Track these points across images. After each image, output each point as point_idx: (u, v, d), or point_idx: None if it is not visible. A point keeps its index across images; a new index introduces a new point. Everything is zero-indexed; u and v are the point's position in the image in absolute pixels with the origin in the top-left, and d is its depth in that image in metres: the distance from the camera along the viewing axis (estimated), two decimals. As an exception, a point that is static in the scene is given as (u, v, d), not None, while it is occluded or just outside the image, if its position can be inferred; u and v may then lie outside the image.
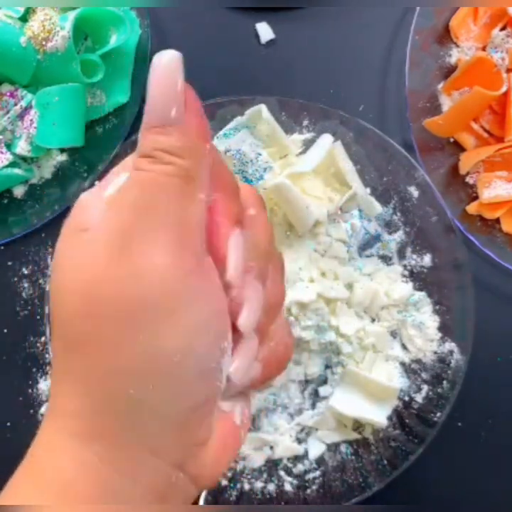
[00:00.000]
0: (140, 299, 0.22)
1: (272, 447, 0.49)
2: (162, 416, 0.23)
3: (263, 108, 0.46)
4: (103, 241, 0.23)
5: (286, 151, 0.48)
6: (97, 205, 0.24)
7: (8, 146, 0.51)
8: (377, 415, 0.47)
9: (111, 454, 0.23)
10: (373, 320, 0.50)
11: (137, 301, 0.22)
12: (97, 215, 0.24)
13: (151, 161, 0.24)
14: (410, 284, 0.50)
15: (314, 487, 0.49)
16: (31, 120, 0.50)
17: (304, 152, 0.50)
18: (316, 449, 0.49)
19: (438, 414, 0.48)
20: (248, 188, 0.29)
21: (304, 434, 0.50)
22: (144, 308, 0.22)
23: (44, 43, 0.48)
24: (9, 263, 0.53)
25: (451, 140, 0.52)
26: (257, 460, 0.49)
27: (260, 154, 0.46)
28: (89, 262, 0.23)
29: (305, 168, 0.45)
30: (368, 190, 0.50)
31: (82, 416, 0.23)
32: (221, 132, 0.46)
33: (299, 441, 0.49)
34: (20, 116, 0.50)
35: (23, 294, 0.53)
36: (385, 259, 0.51)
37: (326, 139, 0.48)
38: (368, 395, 0.47)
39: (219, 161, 0.27)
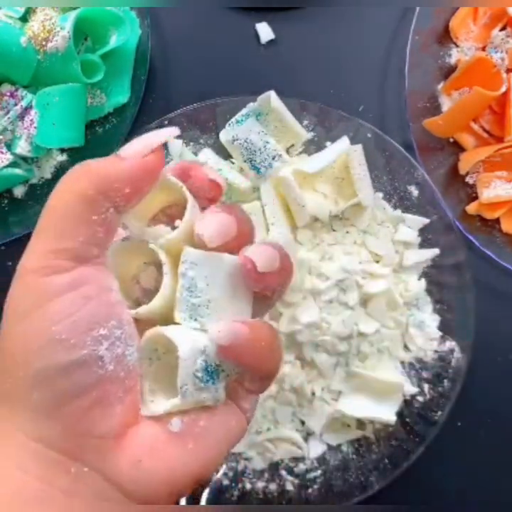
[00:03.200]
0: (11, 300, 0.25)
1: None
2: (35, 400, 0.24)
3: (272, 94, 0.45)
4: None
5: (296, 139, 0.48)
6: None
7: (9, 146, 0.51)
8: (386, 413, 0.47)
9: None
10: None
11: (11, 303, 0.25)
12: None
13: (73, 176, 0.27)
14: (423, 280, 0.50)
15: (316, 486, 0.49)
16: (31, 120, 0.49)
17: (303, 152, 0.50)
18: (317, 448, 0.49)
19: (439, 413, 0.48)
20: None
21: (305, 433, 0.50)
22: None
23: (44, 43, 0.48)
24: (9, 263, 0.53)
25: (451, 140, 0.52)
26: (260, 463, 0.49)
27: (268, 142, 0.46)
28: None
29: (309, 169, 0.45)
30: (380, 194, 0.50)
31: None
32: (233, 119, 0.46)
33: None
34: (21, 116, 0.50)
35: (23, 294, 0.53)
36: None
37: (341, 144, 0.48)
38: (374, 394, 0.48)
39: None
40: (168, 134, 0.27)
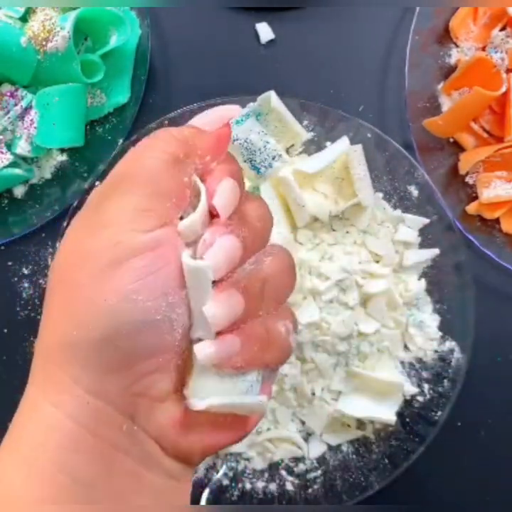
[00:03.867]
0: (88, 252, 0.25)
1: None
2: (101, 355, 0.24)
3: (272, 94, 0.45)
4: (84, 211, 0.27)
5: (296, 139, 0.48)
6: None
7: (9, 146, 0.51)
8: (386, 413, 0.47)
9: (37, 377, 0.25)
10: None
11: (87, 254, 0.25)
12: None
13: (161, 137, 0.27)
14: (423, 280, 0.50)
15: (316, 486, 0.49)
16: (31, 120, 0.49)
17: (303, 152, 0.50)
18: (317, 448, 0.49)
19: (439, 413, 0.48)
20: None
21: (305, 433, 0.50)
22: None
23: (44, 43, 0.48)
24: (9, 263, 0.53)
25: (451, 140, 0.52)
26: (260, 463, 0.49)
27: (268, 142, 0.46)
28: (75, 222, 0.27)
29: (309, 169, 0.46)
30: (380, 194, 0.50)
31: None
32: (233, 119, 0.46)
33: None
34: (21, 116, 0.50)
35: (23, 294, 0.53)
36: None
37: (341, 144, 0.48)
38: (374, 394, 0.48)
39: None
40: (237, 109, 0.31)
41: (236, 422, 0.27)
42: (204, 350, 0.25)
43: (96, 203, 0.26)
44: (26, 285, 0.53)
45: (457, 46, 0.52)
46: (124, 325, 0.23)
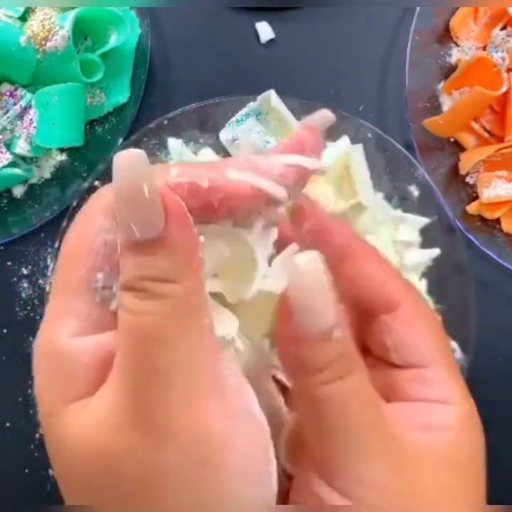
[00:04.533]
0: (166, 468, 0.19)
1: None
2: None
3: (272, 94, 0.45)
4: (111, 413, 0.19)
5: None
6: (79, 360, 0.20)
7: (8, 146, 0.51)
8: None
9: None
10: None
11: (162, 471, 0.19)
12: (85, 379, 0.20)
13: (139, 296, 0.19)
14: (423, 281, 0.50)
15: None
16: (31, 120, 0.49)
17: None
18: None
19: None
20: None
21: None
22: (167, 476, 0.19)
23: (44, 42, 0.48)
24: (9, 263, 0.53)
25: (451, 140, 0.52)
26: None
27: (268, 142, 0.46)
28: (102, 435, 0.19)
29: None
30: (380, 194, 0.50)
31: None
32: (233, 119, 0.46)
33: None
34: (20, 115, 0.50)
35: (23, 294, 0.53)
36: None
37: (341, 144, 0.48)
38: None
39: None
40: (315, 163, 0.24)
41: None
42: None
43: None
44: (25, 285, 0.53)
45: (458, 46, 0.52)
46: None
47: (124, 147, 0.50)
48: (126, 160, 0.19)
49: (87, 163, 0.52)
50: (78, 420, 0.20)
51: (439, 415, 0.23)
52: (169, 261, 0.20)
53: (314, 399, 0.21)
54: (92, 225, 0.22)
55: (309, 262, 0.21)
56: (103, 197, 0.22)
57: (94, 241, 0.21)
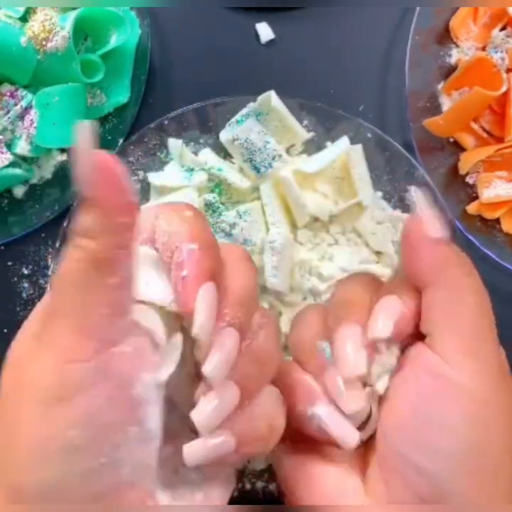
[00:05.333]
0: (30, 383, 0.24)
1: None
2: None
3: (272, 94, 0.45)
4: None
5: (296, 139, 0.48)
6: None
7: (9, 146, 0.51)
8: None
9: None
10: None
11: (28, 387, 0.23)
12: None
13: (70, 245, 0.24)
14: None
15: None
16: (31, 120, 0.49)
17: (303, 152, 0.50)
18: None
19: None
20: (231, 246, 0.30)
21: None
22: (34, 393, 0.23)
23: (44, 43, 0.48)
24: (9, 263, 0.53)
25: (451, 140, 0.52)
26: (260, 463, 0.49)
27: (268, 142, 0.46)
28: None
29: (309, 169, 0.46)
30: (379, 193, 0.50)
31: None
32: (233, 119, 0.46)
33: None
34: (21, 116, 0.50)
35: (23, 294, 0.53)
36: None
37: (341, 144, 0.48)
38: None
39: (196, 214, 0.27)
40: None
41: None
42: (192, 454, 0.25)
43: (41, 318, 0.25)
44: (26, 285, 0.53)
45: (457, 46, 0.52)
46: (66, 474, 0.23)
47: (124, 147, 0.50)
48: (81, 130, 0.23)
49: (87, 164, 0.52)
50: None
51: None
52: (89, 219, 0.23)
53: (437, 285, 0.29)
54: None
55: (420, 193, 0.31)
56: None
57: None
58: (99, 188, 0.23)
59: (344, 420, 0.29)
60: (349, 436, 0.29)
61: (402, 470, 0.27)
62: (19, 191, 0.53)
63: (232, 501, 0.48)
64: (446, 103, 0.52)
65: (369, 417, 0.30)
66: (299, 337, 0.32)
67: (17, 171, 0.51)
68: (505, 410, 0.27)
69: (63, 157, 0.53)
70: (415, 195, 0.31)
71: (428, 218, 0.30)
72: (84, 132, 0.22)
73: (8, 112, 0.50)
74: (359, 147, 0.47)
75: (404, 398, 0.28)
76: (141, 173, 0.50)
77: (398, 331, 0.28)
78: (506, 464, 0.26)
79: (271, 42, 0.55)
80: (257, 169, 0.46)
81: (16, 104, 0.50)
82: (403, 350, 0.30)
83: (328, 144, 0.50)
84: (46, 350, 0.24)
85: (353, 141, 0.48)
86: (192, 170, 0.47)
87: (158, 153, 0.51)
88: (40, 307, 0.27)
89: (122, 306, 0.24)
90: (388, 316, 0.28)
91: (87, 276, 0.23)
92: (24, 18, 0.50)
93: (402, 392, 0.28)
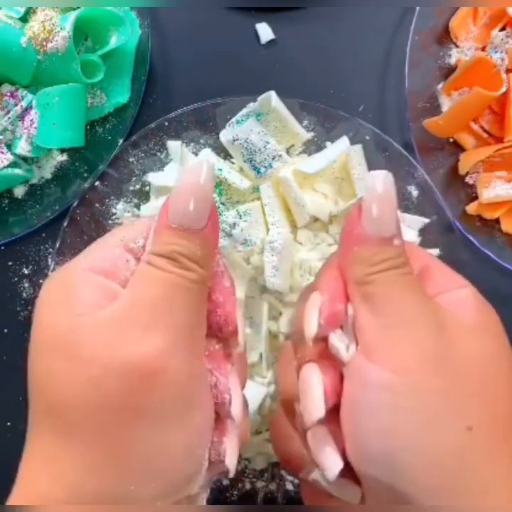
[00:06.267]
0: (151, 398, 0.24)
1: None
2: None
3: (273, 94, 0.45)
4: (118, 329, 0.24)
5: (296, 139, 0.48)
6: (92, 287, 0.26)
7: (9, 146, 0.51)
8: None
9: None
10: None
11: (147, 402, 0.24)
12: (96, 301, 0.25)
13: (171, 263, 0.25)
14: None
15: (315, 486, 0.49)
16: (31, 120, 0.50)
17: (303, 152, 0.50)
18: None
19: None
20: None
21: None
22: (155, 409, 0.24)
23: (44, 43, 0.48)
24: (9, 263, 0.53)
25: (451, 140, 0.52)
26: (260, 463, 0.49)
27: (268, 142, 0.46)
28: (102, 349, 0.24)
29: (309, 169, 0.46)
30: None
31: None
32: (233, 119, 0.46)
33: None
34: (21, 116, 0.50)
35: (23, 294, 0.53)
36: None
37: (341, 144, 0.48)
38: None
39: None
40: None
41: None
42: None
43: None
44: (26, 285, 0.53)
45: (457, 46, 0.52)
46: (178, 477, 0.26)
47: (124, 147, 0.50)
48: (198, 166, 0.26)
49: (87, 164, 0.52)
50: (90, 318, 0.25)
51: (466, 306, 0.29)
52: (201, 249, 0.26)
53: (368, 284, 0.27)
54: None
55: (384, 175, 0.26)
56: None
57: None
58: (211, 226, 0.26)
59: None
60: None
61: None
62: (19, 191, 0.53)
63: (233, 501, 0.48)
64: (445, 103, 0.52)
65: None
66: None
67: (17, 171, 0.51)
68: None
69: (63, 157, 0.53)
70: (371, 181, 0.26)
71: (370, 210, 0.26)
72: (207, 172, 0.26)
73: (8, 113, 0.50)
74: (359, 147, 0.47)
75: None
76: (141, 174, 0.50)
77: (327, 319, 0.28)
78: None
79: (271, 42, 0.55)
80: (257, 169, 0.46)
81: (16, 105, 0.50)
82: None
83: (328, 144, 0.50)
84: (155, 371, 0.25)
85: (353, 141, 0.48)
86: (192, 170, 0.47)
87: (158, 154, 0.51)
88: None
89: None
90: (312, 313, 0.28)
91: (198, 298, 0.26)
92: (24, 19, 0.50)
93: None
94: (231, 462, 0.28)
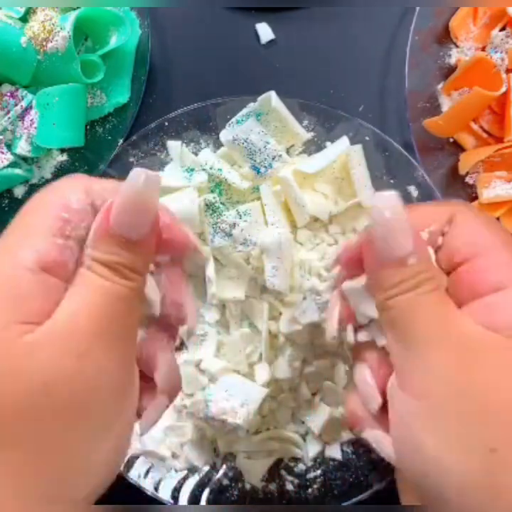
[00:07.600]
0: (89, 403, 0.25)
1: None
2: None
3: (273, 94, 0.45)
4: (58, 343, 0.25)
5: (296, 139, 0.48)
6: (39, 290, 0.26)
7: (9, 147, 0.51)
8: None
9: None
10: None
11: (85, 406, 0.25)
12: (42, 306, 0.25)
13: (113, 272, 0.26)
14: None
15: (315, 486, 0.49)
16: (32, 120, 0.50)
17: (303, 152, 0.50)
18: (316, 448, 0.49)
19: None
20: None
21: (304, 433, 0.50)
22: (93, 412, 0.25)
23: (44, 43, 0.48)
24: (9, 263, 0.53)
25: (451, 140, 0.52)
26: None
27: (268, 142, 0.46)
28: (40, 363, 0.24)
29: (309, 169, 0.46)
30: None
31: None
32: (233, 119, 0.46)
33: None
34: (21, 116, 0.50)
35: (24, 294, 0.53)
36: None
37: (341, 144, 0.48)
38: None
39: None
40: None
41: None
42: None
43: None
44: (26, 285, 0.53)
45: (457, 46, 0.52)
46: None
47: (124, 147, 0.50)
48: (141, 176, 0.26)
49: (87, 164, 0.52)
50: (28, 338, 0.24)
51: (499, 313, 0.27)
52: (141, 259, 0.27)
53: (388, 310, 0.27)
54: (63, 194, 0.28)
55: (386, 198, 0.26)
56: (80, 179, 0.29)
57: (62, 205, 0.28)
58: (151, 234, 0.27)
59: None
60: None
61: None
62: (19, 191, 0.53)
63: (233, 501, 0.48)
64: (445, 103, 0.52)
65: None
66: None
67: (17, 171, 0.51)
68: None
69: (63, 157, 0.53)
70: (376, 211, 0.27)
71: (385, 241, 0.27)
72: (148, 183, 0.26)
73: (8, 112, 0.50)
74: (359, 147, 0.47)
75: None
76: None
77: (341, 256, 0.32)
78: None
79: (271, 42, 0.55)
80: (257, 169, 0.46)
81: (16, 105, 0.50)
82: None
83: (328, 144, 0.50)
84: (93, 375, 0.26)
85: (353, 141, 0.48)
86: (192, 170, 0.47)
87: (158, 154, 0.51)
88: None
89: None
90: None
91: (135, 306, 0.28)
92: (24, 19, 0.50)
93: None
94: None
